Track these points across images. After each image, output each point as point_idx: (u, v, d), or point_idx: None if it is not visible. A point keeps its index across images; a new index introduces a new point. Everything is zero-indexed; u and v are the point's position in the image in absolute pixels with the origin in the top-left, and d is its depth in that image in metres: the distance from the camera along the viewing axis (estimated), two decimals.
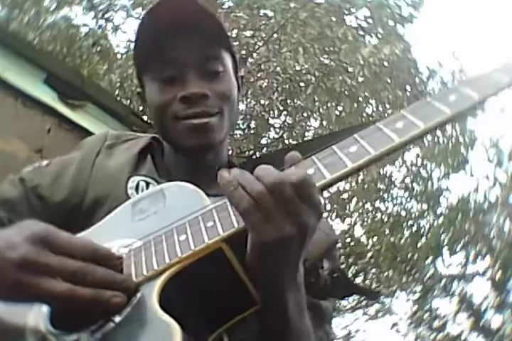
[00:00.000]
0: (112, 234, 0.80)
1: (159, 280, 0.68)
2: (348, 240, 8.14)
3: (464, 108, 0.66)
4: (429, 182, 8.36)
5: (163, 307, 0.64)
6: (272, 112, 7.57)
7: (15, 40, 3.24)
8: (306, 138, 7.34)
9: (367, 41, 7.26)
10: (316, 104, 7.39)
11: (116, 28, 7.26)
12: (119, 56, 7.14)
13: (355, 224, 8.36)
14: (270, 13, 7.01)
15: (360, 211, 8.38)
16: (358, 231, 8.43)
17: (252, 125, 7.57)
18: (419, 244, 8.42)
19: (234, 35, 6.61)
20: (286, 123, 7.77)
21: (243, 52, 6.78)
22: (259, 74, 7.17)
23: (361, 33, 7.23)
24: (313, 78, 6.95)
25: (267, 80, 7.20)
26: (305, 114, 7.66)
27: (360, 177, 7.78)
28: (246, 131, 7.58)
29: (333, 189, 7.67)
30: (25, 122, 3.04)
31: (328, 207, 7.66)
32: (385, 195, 8.47)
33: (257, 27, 7.04)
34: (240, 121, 7.25)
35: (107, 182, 0.96)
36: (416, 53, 7.90)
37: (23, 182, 0.97)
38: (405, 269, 8.55)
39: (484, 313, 9.30)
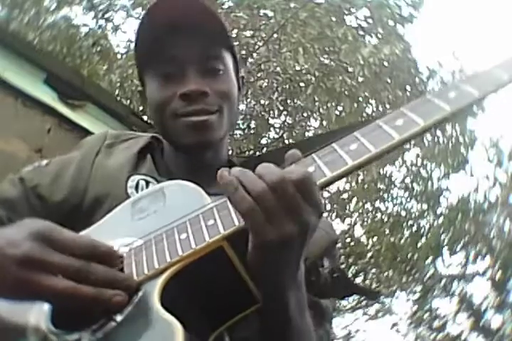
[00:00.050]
0: (112, 233, 0.80)
1: (160, 279, 0.68)
2: (348, 240, 8.14)
3: (463, 105, 0.66)
4: (429, 182, 8.35)
5: (165, 306, 0.64)
6: (272, 112, 7.57)
7: (15, 40, 3.24)
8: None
9: (367, 41, 7.26)
10: (316, 104, 7.38)
11: (116, 28, 7.26)
12: (119, 56, 7.14)
13: (355, 224, 8.36)
14: (270, 13, 7.01)
15: (360, 211, 8.38)
16: (358, 231, 8.44)
17: (252, 125, 7.57)
18: (419, 244, 8.41)
19: (234, 35, 6.61)
20: (286, 123, 7.77)
21: (243, 52, 6.78)
22: (259, 74, 7.17)
23: (361, 33, 7.23)
24: (313, 78, 6.95)
25: (267, 80, 7.20)
26: (305, 114, 7.66)
27: (360, 177, 7.78)
28: (246, 131, 7.58)
29: (333, 189, 7.68)
30: (25, 122, 3.04)
31: (328, 207, 7.66)
32: (385, 195, 8.47)
33: (257, 27, 7.04)
34: (240, 121, 7.25)
35: (107, 181, 0.96)
36: (416, 53, 7.91)
37: (22, 182, 0.97)
38: (405, 269, 8.55)
39: (484, 313, 9.30)
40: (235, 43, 1.06)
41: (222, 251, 0.69)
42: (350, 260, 8.06)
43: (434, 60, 9.93)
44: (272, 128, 7.74)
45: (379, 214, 8.45)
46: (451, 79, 7.69)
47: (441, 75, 7.78)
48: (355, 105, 7.23)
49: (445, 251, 8.59)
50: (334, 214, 7.78)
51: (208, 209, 0.72)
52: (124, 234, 0.78)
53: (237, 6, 7.03)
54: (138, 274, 0.69)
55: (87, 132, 3.20)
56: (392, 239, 8.18)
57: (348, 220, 8.18)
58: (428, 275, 8.93)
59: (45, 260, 0.63)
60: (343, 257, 7.81)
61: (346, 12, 7.28)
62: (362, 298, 8.43)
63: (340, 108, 7.30)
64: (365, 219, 8.42)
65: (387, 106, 7.34)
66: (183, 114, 0.94)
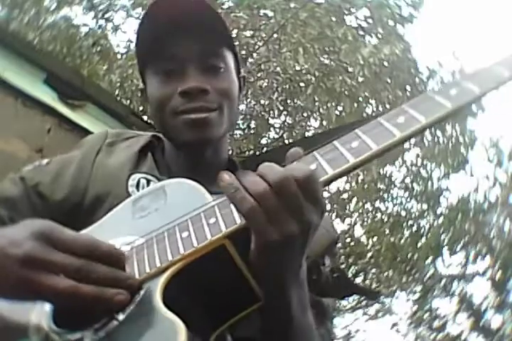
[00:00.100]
0: (113, 231, 0.80)
1: (162, 277, 0.67)
2: (348, 240, 8.14)
3: (465, 102, 0.65)
4: (429, 182, 8.36)
5: (167, 305, 0.64)
6: (272, 112, 7.57)
7: (15, 40, 3.23)
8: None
9: (367, 41, 7.26)
10: (316, 104, 7.39)
11: (116, 28, 7.26)
12: (119, 56, 7.14)
13: (355, 224, 8.36)
14: (270, 13, 7.01)
15: (360, 211, 8.39)
16: (358, 231, 8.44)
17: (252, 125, 7.57)
18: (419, 244, 8.42)
19: (234, 35, 6.60)
20: (286, 123, 7.77)
21: (243, 52, 6.78)
22: (259, 74, 7.17)
23: (361, 33, 7.23)
24: (313, 78, 6.95)
25: (267, 80, 7.20)
26: (305, 114, 7.66)
27: (360, 177, 7.79)
28: (246, 131, 7.58)
29: (333, 189, 7.68)
30: (25, 122, 3.04)
31: (328, 207, 7.66)
32: (385, 195, 8.48)
33: (257, 27, 7.04)
34: (240, 121, 7.25)
35: (108, 180, 0.96)
36: (416, 53, 7.92)
37: (23, 181, 0.97)
38: (405, 269, 8.55)
39: (484, 313, 9.30)
40: (235, 43, 1.06)
41: (224, 250, 0.69)
42: (350, 260, 8.06)
43: (434, 60, 9.95)
44: (272, 128, 7.74)
45: (379, 214, 8.46)
46: (451, 79, 7.67)
47: (441, 75, 7.79)
48: (355, 105, 7.24)
49: (445, 251, 8.60)
50: (334, 214, 7.78)
51: (210, 208, 0.72)
52: (125, 232, 0.78)
53: (237, 6, 7.03)
54: (140, 273, 0.69)
55: (87, 132, 3.20)
56: (392, 239, 8.18)
57: (348, 220, 8.19)
58: (428, 275, 8.93)
59: (46, 259, 0.63)
60: (343, 257, 7.81)
61: (346, 12, 7.28)
62: (362, 298, 8.44)
63: (340, 108, 7.31)
64: (365, 219, 8.42)
65: (387, 106, 7.34)
66: (182, 111, 0.94)
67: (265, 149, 7.36)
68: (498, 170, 8.76)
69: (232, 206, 0.69)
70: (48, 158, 1.04)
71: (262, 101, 7.37)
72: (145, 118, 4.00)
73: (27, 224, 0.69)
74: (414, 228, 8.53)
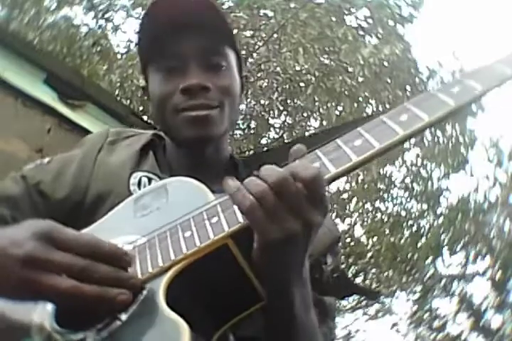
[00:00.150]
0: (115, 230, 0.80)
1: (165, 277, 0.67)
2: (348, 240, 8.13)
3: (467, 100, 0.65)
4: (429, 182, 8.36)
5: (170, 305, 0.64)
6: (272, 112, 7.57)
7: (15, 40, 3.23)
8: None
9: (367, 41, 7.26)
10: (316, 104, 7.39)
11: (116, 28, 7.26)
12: (119, 56, 7.14)
13: (355, 224, 8.36)
14: (270, 13, 7.01)
15: (360, 211, 8.39)
16: (358, 231, 8.44)
17: (252, 125, 7.57)
18: (419, 244, 8.42)
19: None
20: (286, 123, 7.77)
21: (243, 52, 6.78)
22: (259, 74, 7.17)
23: (361, 33, 7.23)
24: (314, 78, 6.95)
25: (267, 80, 7.20)
26: (305, 114, 7.66)
27: (360, 177, 7.79)
28: (246, 131, 7.58)
29: (333, 189, 7.68)
30: (25, 122, 3.03)
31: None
32: (385, 195, 8.48)
33: (257, 27, 7.04)
34: (239, 121, 7.24)
35: (109, 178, 0.96)
36: (416, 53, 7.91)
37: (24, 180, 0.97)
38: (405, 269, 8.55)
39: (484, 313, 9.30)
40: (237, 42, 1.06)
41: (226, 249, 0.68)
42: (350, 260, 8.06)
43: (434, 60, 9.94)
44: (272, 128, 7.74)
45: (379, 214, 8.46)
46: (452, 79, 7.67)
47: (441, 75, 7.79)
48: (355, 105, 7.24)
49: (445, 251, 8.60)
50: (334, 214, 7.78)
51: (212, 207, 0.72)
52: (127, 231, 0.78)
53: (237, 6, 7.03)
54: (142, 272, 0.69)
55: (87, 132, 3.20)
56: (392, 239, 8.18)
57: (348, 220, 8.19)
58: (428, 275, 8.93)
59: (48, 259, 0.63)
60: (343, 257, 7.80)
61: (346, 12, 7.28)
62: (362, 298, 8.44)
63: (340, 108, 7.31)
64: (365, 219, 8.42)
65: (387, 106, 7.34)
66: (183, 109, 0.94)
67: (265, 149, 7.36)
68: (498, 170, 8.77)
69: (234, 206, 0.69)
70: (49, 157, 1.04)
71: (262, 101, 7.37)
72: (145, 118, 4.00)
73: (29, 224, 0.69)
74: (414, 228, 8.53)
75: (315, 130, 7.58)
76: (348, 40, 6.74)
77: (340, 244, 1.05)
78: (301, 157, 0.70)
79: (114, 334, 0.65)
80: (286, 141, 7.45)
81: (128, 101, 6.21)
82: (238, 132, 7.44)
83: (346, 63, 6.81)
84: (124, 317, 0.65)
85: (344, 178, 7.12)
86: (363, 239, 8.38)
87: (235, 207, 0.68)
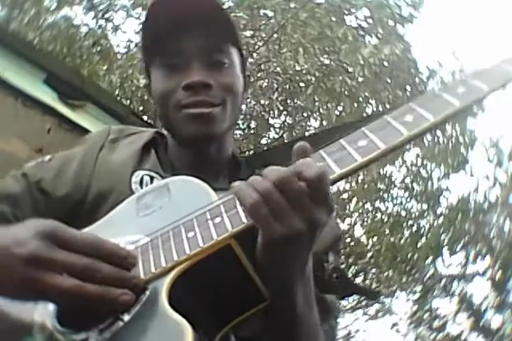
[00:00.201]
0: (118, 230, 0.79)
1: (168, 277, 0.67)
2: (348, 240, 8.13)
3: (472, 100, 0.65)
4: (429, 182, 8.36)
5: (172, 305, 0.63)
6: (272, 112, 7.57)
7: (15, 40, 3.23)
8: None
9: (367, 41, 7.26)
10: (316, 104, 7.39)
11: (116, 28, 7.27)
12: (119, 56, 7.14)
13: (355, 224, 8.36)
14: (270, 13, 7.01)
15: (360, 211, 8.39)
16: (358, 231, 8.44)
17: (252, 125, 7.57)
18: (419, 244, 8.42)
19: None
20: (286, 123, 7.77)
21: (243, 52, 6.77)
22: (259, 74, 7.17)
23: (361, 33, 7.23)
24: (314, 78, 6.95)
25: (267, 80, 7.20)
26: (305, 114, 7.67)
27: (360, 177, 7.79)
28: (246, 131, 7.58)
29: (333, 189, 7.67)
30: (25, 122, 3.03)
31: None
32: (385, 195, 8.48)
33: (257, 27, 7.04)
34: (239, 121, 7.24)
35: (111, 176, 0.96)
36: (416, 53, 7.92)
37: (25, 177, 0.97)
38: (405, 269, 8.55)
39: (484, 313, 9.30)
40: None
41: (230, 250, 0.68)
42: (350, 260, 8.06)
43: (434, 60, 9.94)
44: (272, 128, 7.75)
45: (379, 214, 8.46)
46: (451, 79, 7.69)
47: (441, 75, 7.80)
48: (355, 105, 7.24)
49: (445, 251, 8.60)
50: (334, 214, 7.76)
51: (215, 207, 0.71)
52: (129, 231, 0.77)
53: (237, 6, 7.03)
54: (145, 273, 0.68)
55: (87, 132, 3.18)
56: (392, 239, 8.18)
57: (348, 220, 8.18)
58: (428, 275, 8.93)
59: (50, 258, 0.63)
60: (343, 257, 7.80)
61: (346, 12, 7.28)
62: (362, 298, 8.43)
63: (340, 108, 7.31)
64: (365, 219, 8.42)
65: (387, 106, 7.34)
66: (185, 105, 0.94)
67: (267, 148, 7.36)
68: (498, 170, 8.78)
69: (238, 206, 0.68)
70: (51, 155, 1.03)
71: (262, 101, 7.37)
72: (145, 118, 4.00)
73: (31, 223, 0.68)
74: (414, 228, 8.53)
75: (315, 130, 7.59)
76: (348, 40, 6.74)
77: (341, 242, 1.04)
78: (305, 157, 0.69)
79: (116, 335, 0.64)
80: (286, 141, 7.45)
81: (128, 101, 6.21)
82: (238, 132, 7.44)
83: (346, 63, 6.81)
84: (126, 317, 0.65)
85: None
86: (363, 239, 8.39)
87: (239, 208, 0.68)
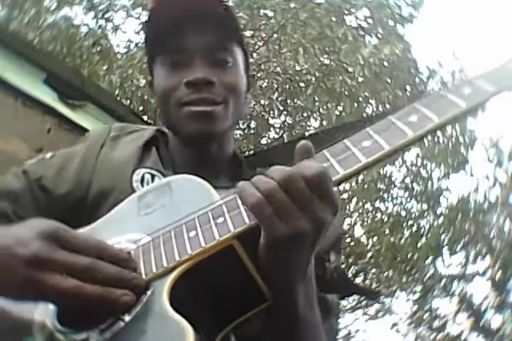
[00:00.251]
0: (119, 228, 0.79)
1: (169, 277, 0.66)
2: (348, 240, 8.13)
3: (479, 101, 0.64)
4: (429, 182, 8.36)
5: (174, 305, 0.63)
6: (272, 112, 7.57)
7: (15, 40, 3.23)
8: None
9: (367, 41, 7.26)
10: (316, 104, 7.38)
11: (116, 28, 7.26)
12: (119, 56, 7.13)
13: (355, 224, 8.36)
14: (270, 13, 7.00)
15: (360, 211, 8.39)
16: (358, 231, 8.44)
17: (252, 125, 7.56)
18: (419, 244, 8.42)
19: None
20: (286, 123, 7.77)
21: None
22: (259, 74, 7.16)
23: (361, 33, 7.23)
24: (314, 78, 6.94)
25: (267, 80, 7.20)
26: (305, 114, 7.66)
27: (360, 177, 7.78)
28: (246, 131, 7.58)
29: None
30: (25, 122, 3.03)
31: None
32: (385, 195, 8.48)
33: (257, 27, 7.04)
34: (239, 121, 7.24)
35: (112, 174, 0.95)
36: (416, 53, 7.93)
37: (26, 174, 0.96)
38: (405, 269, 8.55)
39: (484, 313, 9.30)
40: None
41: (232, 250, 0.68)
42: (350, 260, 8.05)
43: (434, 60, 9.95)
44: (272, 128, 7.74)
45: (379, 214, 8.46)
46: (451, 79, 7.70)
47: (441, 75, 7.80)
48: (355, 105, 7.23)
49: (445, 251, 8.60)
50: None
51: (217, 206, 0.71)
52: (130, 229, 0.77)
53: (237, 6, 7.02)
54: (146, 273, 0.68)
55: (87, 132, 3.18)
56: (392, 239, 8.18)
57: (348, 220, 8.18)
58: (428, 275, 8.93)
59: (51, 259, 0.63)
60: (343, 257, 7.80)
61: (346, 12, 7.28)
62: (362, 298, 8.43)
63: (340, 108, 7.31)
64: (365, 219, 8.42)
65: (387, 106, 7.35)
66: (187, 103, 0.93)
67: (267, 148, 7.35)
68: (498, 170, 8.78)
69: (240, 206, 0.68)
70: (52, 152, 1.03)
71: (262, 101, 7.36)
72: (145, 118, 4.00)
73: (33, 223, 0.68)
74: (414, 228, 8.53)
75: (315, 130, 7.58)
76: (348, 40, 6.73)
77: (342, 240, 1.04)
78: (309, 158, 0.68)
79: (117, 335, 0.64)
80: (286, 140, 7.45)
81: (128, 101, 6.20)
82: (238, 132, 7.43)
83: (346, 63, 6.81)
84: (127, 318, 0.65)
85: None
86: (363, 239, 8.38)
87: (241, 208, 0.68)
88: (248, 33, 7.18)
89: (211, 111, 0.93)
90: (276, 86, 7.28)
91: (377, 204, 8.44)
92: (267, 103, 7.40)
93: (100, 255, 0.65)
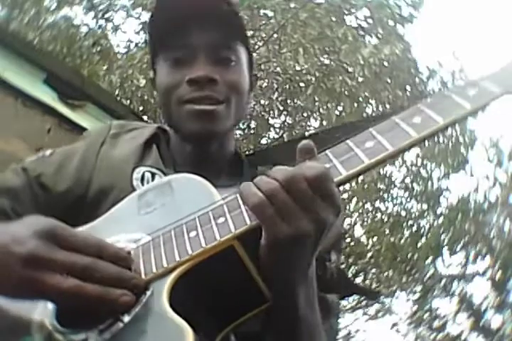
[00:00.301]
0: (119, 227, 0.78)
1: (169, 278, 0.66)
2: (348, 240, 8.13)
3: (484, 102, 0.63)
4: (429, 182, 8.36)
5: (173, 306, 0.63)
6: (272, 112, 7.57)
7: (15, 40, 3.23)
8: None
9: (367, 41, 7.26)
10: (316, 104, 7.39)
11: (116, 28, 7.27)
12: (119, 56, 7.14)
13: (355, 224, 8.36)
14: (270, 13, 7.00)
15: (360, 211, 8.39)
16: (358, 231, 8.44)
17: (252, 125, 7.56)
18: (419, 244, 8.42)
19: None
20: (286, 123, 7.77)
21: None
22: (259, 74, 7.16)
23: (361, 33, 7.23)
24: (314, 78, 6.95)
25: (267, 80, 7.20)
26: (305, 114, 7.67)
27: (360, 177, 7.78)
28: (246, 131, 7.58)
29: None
30: (25, 122, 3.03)
31: None
32: (385, 195, 8.48)
33: (257, 27, 7.04)
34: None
35: (112, 172, 0.95)
36: (416, 53, 7.94)
37: (25, 172, 0.95)
38: (405, 269, 8.55)
39: (484, 313, 9.30)
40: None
41: (232, 250, 0.67)
42: (350, 260, 8.05)
43: (434, 60, 9.95)
44: (272, 128, 7.74)
45: (379, 214, 8.46)
46: (451, 79, 7.70)
47: (441, 75, 7.80)
48: (355, 105, 7.24)
49: (445, 251, 8.60)
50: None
51: (218, 206, 0.70)
52: (130, 228, 0.76)
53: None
54: (146, 273, 0.68)
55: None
56: (392, 239, 8.18)
57: (348, 220, 8.18)
58: (428, 275, 8.93)
59: (50, 258, 0.62)
60: (343, 257, 7.80)
61: (346, 12, 7.28)
62: (362, 298, 8.43)
63: (340, 108, 7.31)
64: (365, 219, 8.42)
65: (387, 106, 7.35)
66: (188, 100, 0.92)
67: (267, 147, 7.36)
68: (498, 170, 8.78)
69: (241, 206, 0.68)
70: (51, 149, 1.02)
71: (262, 101, 7.37)
72: (145, 118, 4.00)
73: (30, 221, 0.68)
74: (414, 228, 8.54)
75: (315, 130, 7.58)
76: (348, 40, 6.73)
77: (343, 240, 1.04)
78: (312, 158, 0.68)
79: (116, 336, 0.64)
80: (286, 140, 7.45)
81: (128, 101, 6.20)
82: (238, 132, 7.43)
83: (346, 63, 6.80)
84: (126, 318, 0.64)
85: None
86: (363, 239, 8.39)
87: (242, 208, 0.67)
88: (248, 33, 7.17)
89: (213, 110, 0.92)
90: (276, 86, 7.28)
91: (377, 204, 8.44)
92: (267, 103, 7.40)
93: (100, 254, 0.65)
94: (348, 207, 8.12)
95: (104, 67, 6.80)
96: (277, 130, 7.79)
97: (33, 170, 0.96)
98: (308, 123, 7.79)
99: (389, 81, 7.28)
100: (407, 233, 8.51)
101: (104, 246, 0.67)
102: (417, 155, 8.24)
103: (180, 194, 0.79)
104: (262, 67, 7.02)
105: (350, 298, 7.99)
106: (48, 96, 3.18)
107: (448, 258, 8.75)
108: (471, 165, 8.46)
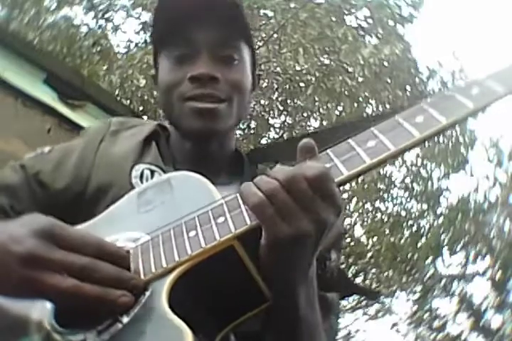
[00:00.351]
0: (117, 226, 0.78)
1: (169, 278, 0.65)
2: (348, 240, 8.13)
3: (487, 102, 0.62)
4: (429, 182, 8.36)
5: (173, 306, 0.62)
6: (272, 112, 7.57)
7: (15, 40, 3.23)
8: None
9: (367, 41, 7.26)
10: (316, 104, 7.39)
11: (116, 28, 7.27)
12: (119, 56, 7.13)
13: (355, 224, 8.36)
14: (270, 13, 7.01)
15: (360, 211, 8.39)
16: (358, 231, 8.44)
17: (252, 125, 7.56)
18: (419, 244, 8.42)
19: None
20: (286, 123, 7.77)
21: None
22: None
23: (361, 33, 7.23)
24: (314, 78, 6.95)
25: (267, 80, 7.19)
26: (305, 114, 7.67)
27: (361, 177, 7.78)
28: (246, 131, 7.58)
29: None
30: (25, 122, 3.03)
31: None
32: (385, 195, 8.48)
33: (257, 27, 7.04)
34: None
35: (111, 169, 0.94)
36: (416, 53, 7.94)
37: (24, 169, 0.95)
38: (405, 269, 8.55)
39: (484, 313, 9.30)
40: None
41: (232, 250, 0.67)
42: (350, 260, 8.05)
43: (434, 60, 9.95)
44: (272, 128, 7.74)
45: (379, 214, 8.46)
46: (451, 79, 7.70)
47: (441, 75, 7.80)
48: (355, 105, 7.24)
49: (445, 251, 8.60)
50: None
51: (218, 206, 0.70)
52: (130, 227, 0.76)
53: None
54: (145, 273, 0.67)
55: None
56: (392, 239, 8.18)
57: (348, 220, 8.18)
58: (428, 275, 8.93)
59: (49, 258, 0.62)
60: (343, 257, 7.80)
61: (346, 12, 7.28)
62: (362, 298, 8.43)
63: (340, 108, 7.31)
64: (365, 219, 8.42)
65: (387, 106, 7.35)
66: (190, 98, 0.91)
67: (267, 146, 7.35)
68: (498, 170, 8.78)
69: (242, 206, 0.67)
70: (50, 147, 1.01)
71: (262, 101, 7.37)
72: (145, 118, 4.00)
73: (28, 220, 0.67)
74: (414, 228, 8.54)
75: (315, 130, 7.58)
76: (348, 40, 6.73)
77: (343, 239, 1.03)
78: (313, 157, 0.67)
79: (114, 337, 0.63)
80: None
81: (128, 101, 6.20)
82: (238, 132, 7.43)
83: (346, 63, 6.80)
84: (125, 319, 0.64)
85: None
86: (363, 239, 8.38)
87: (242, 208, 0.67)
88: None
89: (214, 108, 0.91)
90: (276, 86, 7.28)
91: (377, 204, 8.44)
92: (267, 103, 7.40)
93: (99, 253, 0.65)
94: (348, 207, 8.12)
95: (104, 67, 6.79)
96: (277, 130, 7.79)
97: (31, 167, 0.95)
98: (308, 123, 7.79)
99: (389, 81, 7.28)
100: (407, 233, 8.51)
101: (104, 246, 0.67)
102: (417, 155, 8.25)
103: (180, 192, 0.78)
104: (262, 67, 7.02)
105: (350, 298, 7.99)
106: (48, 96, 3.18)
107: (448, 258, 8.76)
108: (471, 165, 8.48)
